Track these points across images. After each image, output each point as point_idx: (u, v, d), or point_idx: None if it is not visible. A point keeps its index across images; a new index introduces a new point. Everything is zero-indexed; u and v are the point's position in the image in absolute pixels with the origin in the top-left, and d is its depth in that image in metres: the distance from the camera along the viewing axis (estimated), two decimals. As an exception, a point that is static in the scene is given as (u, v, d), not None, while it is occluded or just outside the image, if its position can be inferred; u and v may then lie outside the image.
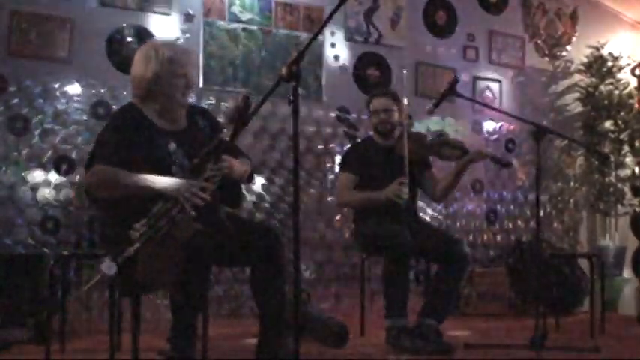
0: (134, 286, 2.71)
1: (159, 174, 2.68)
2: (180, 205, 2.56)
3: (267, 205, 5.03)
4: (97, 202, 2.88)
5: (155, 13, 4.78)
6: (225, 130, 2.66)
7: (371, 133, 4.23)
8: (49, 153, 4.41)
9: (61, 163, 4.43)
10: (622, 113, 6.24)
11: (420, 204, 5.18)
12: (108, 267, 2.35)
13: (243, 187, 3.09)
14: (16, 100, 4.36)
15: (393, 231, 3.66)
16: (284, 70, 2.20)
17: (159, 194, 2.60)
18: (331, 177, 5.28)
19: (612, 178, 6.21)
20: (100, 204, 2.87)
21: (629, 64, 6.40)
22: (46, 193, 4.36)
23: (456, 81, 3.68)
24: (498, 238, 6.00)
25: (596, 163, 6.24)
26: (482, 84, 6.03)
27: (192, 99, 3.05)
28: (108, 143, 2.76)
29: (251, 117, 2.38)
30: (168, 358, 2.67)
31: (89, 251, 4.22)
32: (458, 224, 5.79)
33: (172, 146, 2.82)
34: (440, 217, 5.70)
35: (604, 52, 6.32)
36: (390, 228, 3.70)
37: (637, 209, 5.84)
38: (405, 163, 3.76)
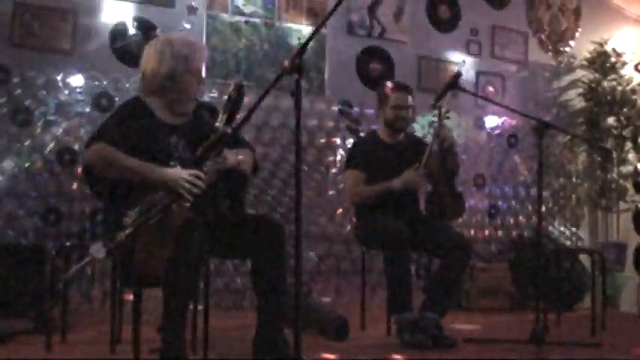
0: (136, 277, 2.72)
1: (157, 165, 2.70)
2: (175, 193, 2.58)
3: (269, 198, 5.03)
4: (94, 185, 2.88)
5: (158, 5, 4.78)
6: (219, 118, 2.69)
7: (374, 127, 4.21)
8: (52, 144, 4.42)
9: (63, 155, 4.43)
10: (625, 109, 6.23)
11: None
12: (97, 250, 2.36)
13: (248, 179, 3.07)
14: (18, 92, 4.36)
15: (391, 226, 3.66)
16: (287, 63, 2.19)
17: (154, 183, 2.62)
18: (333, 170, 5.27)
19: (614, 175, 6.20)
20: (98, 187, 2.87)
21: (632, 60, 6.38)
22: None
23: (458, 75, 3.67)
24: (500, 233, 6.00)
25: (599, 159, 6.23)
26: (484, 78, 6.02)
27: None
28: (110, 128, 2.79)
29: (254, 109, 2.38)
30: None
31: (91, 243, 4.22)
32: (459, 219, 5.78)
33: (174, 139, 2.84)
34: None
35: (608, 47, 6.30)
36: (388, 223, 3.70)
37: (639, 205, 5.82)
38: (425, 154, 3.82)
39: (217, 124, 2.69)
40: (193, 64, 2.88)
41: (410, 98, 4.03)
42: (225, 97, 2.73)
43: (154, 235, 2.50)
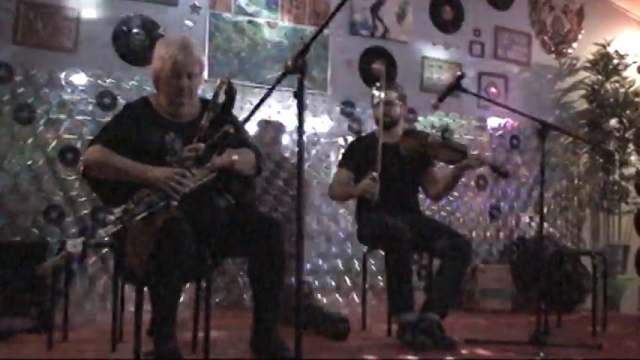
0: (134, 275, 2.72)
1: (152, 162, 2.72)
2: (162, 192, 2.60)
3: (271, 197, 5.03)
4: (91, 183, 2.90)
5: (162, 4, 4.78)
6: (204, 116, 2.70)
7: (374, 127, 4.21)
8: (54, 142, 4.42)
9: (65, 153, 4.43)
10: (627, 111, 6.23)
11: (424, 199, 5.18)
12: (73, 245, 2.39)
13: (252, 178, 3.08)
14: (21, 90, 4.37)
15: (392, 225, 3.65)
16: (290, 63, 2.19)
17: (142, 182, 2.65)
18: (335, 170, 5.26)
19: (617, 176, 6.20)
20: (98, 187, 2.89)
21: (635, 62, 6.38)
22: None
23: (461, 76, 3.67)
24: (501, 234, 6.00)
25: (601, 160, 6.23)
26: (487, 79, 6.02)
27: (200, 92, 3.06)
28: (109, 127, 2.88)
29: (257, 108, 2.38)
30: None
31: (92, 240, 4.22)
32: (461, 220, 5.79)
33: (170, 136, 2.85)
34: (443, 212, 5.70)
35: (610, 49, 6.31)
36: (389, 222, 3.69)
37: (641, 208, 5.83)
38: (378, 158, 3.70)
39: (202, 122, 2.72)
40: (180, 65, 2.86)
41: (394, 94, 4.03)
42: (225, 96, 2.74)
43: (139, 233, 2.51)
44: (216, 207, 2.86)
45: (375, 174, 3.68)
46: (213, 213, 2.84)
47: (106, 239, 2.58)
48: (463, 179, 5.68)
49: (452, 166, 3.89)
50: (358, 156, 4.03)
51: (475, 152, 3.91)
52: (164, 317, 2.59)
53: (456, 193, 5.73)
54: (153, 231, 2.51)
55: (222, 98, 2.78)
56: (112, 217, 2.52)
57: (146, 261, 2.52)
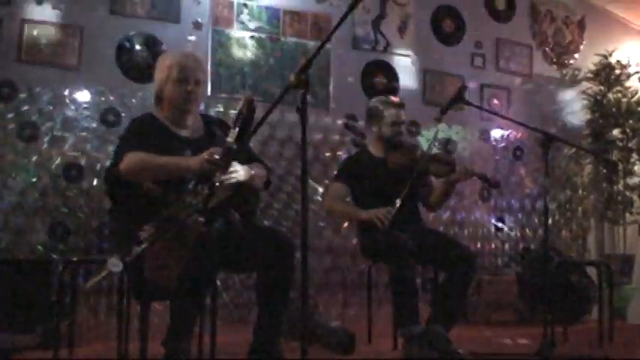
0: (147, 290, 2.72)
1: (169, 180, 2.72)
2: (189, 209, 2.60)
3: (274, 212, 5.03)
4: (116, 202, 2.88)
5: (164, 21, 4.81)
6: (230, 133, 2.70)
7: (366, 141, 4.20)
8: (58, 160, 4.43)
9: (70, 170, 4.45)
10: (630, 121, 6.24)
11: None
12: (114, 264, 2.37)
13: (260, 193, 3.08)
14: (25, 107, 4.39)
15: (395, 239, 3.65)
16: (292, 78, 2.20)
17: (185, 172, 2.68)
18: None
19: (620, 187, 6.19)
20: (117, 204, 2.87)
21: (637, 72, 6.39)
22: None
23: (463, 88, 3.67)
24: (506, 246, 5.98)
25: (605, 171, 6.23)
26: (489, 91, 6.03)
27: (201, 107, 3.08)
28: (131, 139, 2.84)
29: (261, 123, 2.39)
30: None
31: (98, 257, 4.23)
32: (466, 232, 5.78)
33: (187, 153, 2.84)
34: (448, 224, 5.69)
35: (612, 59, 6.32)
36: (392, 236, 3.69)
37: (645, 217, 5.82)
38: (404, 192, 3.69)
39: (228, 138, 2.71)
40: (188, 70, 2.89)
41: (403, 113, 4.05)
42: (233, 111, 2.75)
43: (169, 248, 2.51)
44: (232, 222, 2.86)
45: (392, 210, 3.66)
46: (229, 228, 2.84)
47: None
48: (467, 191, 5.73)
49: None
50: (353, 173, 4.03)
51: (462, 165, 3.92)
52: (183, 329, 2.61)
53: (460, 205, 5.73)
54: (184, 246, 2.52)
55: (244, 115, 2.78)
56: (144, 234, 2.51)
57: (178, 274, 2.52)
